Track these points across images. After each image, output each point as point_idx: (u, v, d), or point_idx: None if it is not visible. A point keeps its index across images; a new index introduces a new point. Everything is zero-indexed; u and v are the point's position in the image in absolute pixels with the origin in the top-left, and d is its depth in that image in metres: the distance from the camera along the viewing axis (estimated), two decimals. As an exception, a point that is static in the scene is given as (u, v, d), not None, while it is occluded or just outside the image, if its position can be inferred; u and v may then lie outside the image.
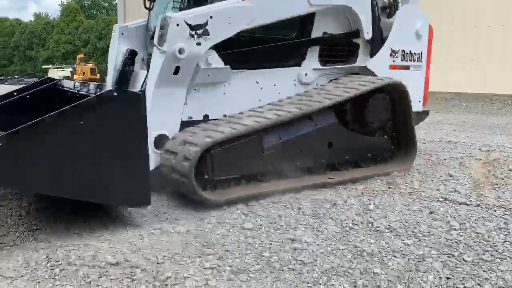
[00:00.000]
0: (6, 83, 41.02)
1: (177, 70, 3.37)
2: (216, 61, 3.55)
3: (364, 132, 4.13)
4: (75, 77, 39.08)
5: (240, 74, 3.78)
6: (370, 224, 3.01)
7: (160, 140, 3.44)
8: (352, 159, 4.12)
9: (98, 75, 36.52)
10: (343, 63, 4.45)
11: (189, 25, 3.31)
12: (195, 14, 3.35)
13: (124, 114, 2.73)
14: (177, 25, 3.27)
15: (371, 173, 4.10)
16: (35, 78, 42.45)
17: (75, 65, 40.60)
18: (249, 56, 3.79)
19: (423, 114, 5.01)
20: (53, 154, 2.56)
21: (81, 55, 40.64)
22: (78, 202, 2.86)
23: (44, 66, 44.32)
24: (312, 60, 4.22)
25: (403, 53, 4.61)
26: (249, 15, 3.49)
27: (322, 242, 2.72)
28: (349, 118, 4.04)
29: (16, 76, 44.93)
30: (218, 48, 3.56)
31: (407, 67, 4.67)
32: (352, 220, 3.08)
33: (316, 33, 4.18)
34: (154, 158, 3.28)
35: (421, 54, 4.72)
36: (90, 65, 39.48)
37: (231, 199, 3.33)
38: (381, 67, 4.49)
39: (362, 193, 3.69)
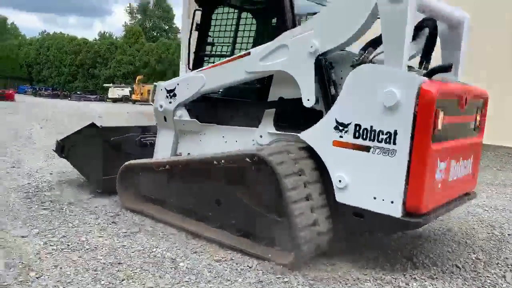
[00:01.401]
0: (69, 98, 43.45)
1: (165, 119, 4.80)
2: (185, 115, 4.68)
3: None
4: (133, 97, 40.82)
5: (210, 127, 4.60)
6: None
7: None
8: (238, 226, 3.79)
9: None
10: (295, 131, 3.81)
11: (167, 90, 4.70)
12: (170, 83, 4.72)
13: None
14: (161, 89, 4.75)
15: (249, 250, 3.61)
16: (96, 95, 44.78)
17: (133, 86, 42.38)
18: (216, 113, 4.57)
19: (410, 224, 3.21)
20: None
21: (140, 77, 42.36)
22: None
23: (105, 85, 46.50)
24: (267, 124, 4.13)
25: (357, 128, 3.31)
26: (201, 82, 4.41)
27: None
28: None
29: (78, 92, 47.48)
30: (194, 106, 4.64)
31: (364, 148, 3.29)
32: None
33: (272, 97, 4.11)
34: None
35: (394, 133, 3.13)
36: (148, 86, 41.04)
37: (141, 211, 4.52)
38: (320, 141, 3.53)
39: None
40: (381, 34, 3.44)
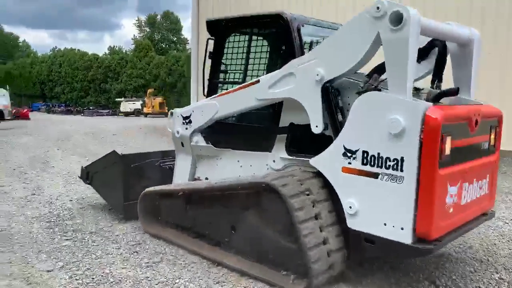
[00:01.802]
0: (82, 114, 43.97)
1: (182, 144, 4.94)
2: (201, 141, 4.82)
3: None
4: (145, 110, 41.15)
5: (226, 152, 4.69)
6: None
7: None
8: (253, 252, 3.80)
9: (166, 108, 38.08)
10: (306, 156, 3.88)
11: (183, 116, 4.85)
12: (185, 110, 4.88)
13: None
14: (177, 116, 4.92)
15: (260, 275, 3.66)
16: (108, 110, 45.24)
17: (145, 99, 42.76)
18: (231, 138, 4.68)
19: (421, 250, 3.17)
20: None
21: (151, 90, 42.71)
22: None
23: (116, 99, 46.96)
24: (280, 149, 4.20)
25: (365, 155, 3.33)
26: (214, 109, 4.53)
27: None
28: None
29: (91, 108, 48.03)
30: (210, 132, 4.78)
31: (373, 174, 3.30)
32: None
33: (283, 123, 4.18)
34: None
35: (401, 160, 3.14)
36: (159, 99, 41.36)
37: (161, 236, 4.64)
38: (330, 168, 3.56)
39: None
40: (384, 62, 3.50)
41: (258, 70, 4.66)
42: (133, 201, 4.96)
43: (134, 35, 71.22)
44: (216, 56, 4.82)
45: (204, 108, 4.68)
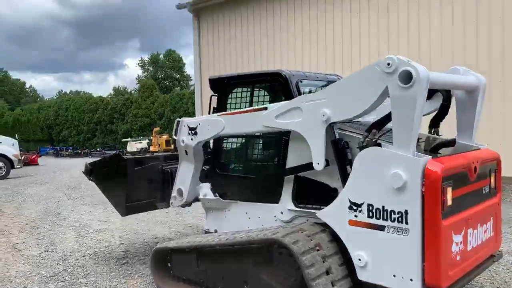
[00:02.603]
0: (90, 156, 44.33)
1: (186, 152, 5.11)
2: (209, 194, 4.97)
3: None
4: (151, 148, 41.41)
5: (234, 204, 4.81)
6: None
7: (179, 191, 5.29)
8: None
9: (172, 146, 38.28)
10: (313, 208, 3.98)
11: (189, 127, 4.98)
12: (192, 121, 5.01)
13: None
14: (184, 125, 5.07)
15: None
16: (116, 150, 45.62)
17: (151, 137, 43.14)
18: (239, 190, 4.79)
19: None
20: None
21: (157, 128, 43.10)
22: None
23: (123, 140, 47.43)
24: (287, 200, 4.27)
25: (370, 208, 3.42)
26: (221, 126, 4.64)
27: None
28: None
29: (98, 149, 48.47)
30: (218, 183, 4.96)
31: (379, 227, 3.38)
32: None
33: (289, 173, 4.25)
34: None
35: (405, 213, 3.23)
36: (165, 137, 41.65)
37: None
38: (337, 220, 3.62)
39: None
40: (385, 116, 3.63)
41: None
42: (135, 202, 5.31)
43: (138, 74, 72.62)
44: (220, 110, 5.01)
45: (211, 123, 4.80)
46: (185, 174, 5.22)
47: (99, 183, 5.91)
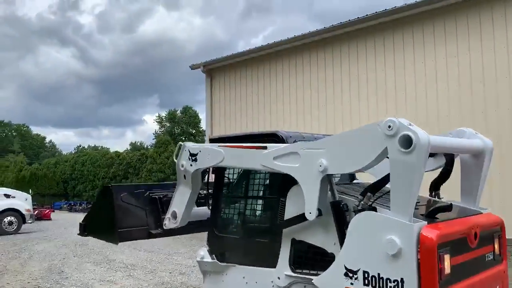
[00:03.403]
0: (103, 211, 44.34)
1: (184, 177, 5.04)
2: (207, 257, 4.84)
3: None
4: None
5: (232, 268, 4.68)
6: None
7: (173, 214, 5.22)
8: None
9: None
10: (310, 274, 3.84)
11: (190, 153, 4.93)
12: (194, 147, 4.95)
13: None
14: (185, 150, 5.00)
15: None
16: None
17: (164, 193, 43.21)
18: (236, 253, 4.68)
19: None
20: None
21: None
22: None
23: (136, 194, 47.48)
24: (284, 265, 4.11)
25: (366, 275, 3.29)
26: (220, 156, 4.59)
27: None
28: None
29: (112, 204, 48.48)
30: (215, 245, 4.85)
31: None
32: None
33: (286, 237, 4.12)
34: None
35: (401, 281, 3.10)
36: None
37: None
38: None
39: None
40: (381, 179, 3.57)
41: (259, 184, 4.80)
42: (126, 228, 5.28)
43: (155, 130, 73.88)
44: (220, 171, 5.01)
45: (211, 153, 4.75)
46: (181, 198, 5.16)
47: (93, 228, 5.81)
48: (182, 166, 5.01)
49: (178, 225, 5.23)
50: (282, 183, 4.27)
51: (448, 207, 3.53)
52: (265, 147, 4.22)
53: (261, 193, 4.77)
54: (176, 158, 5.13)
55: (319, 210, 3.72)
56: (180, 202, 5.15)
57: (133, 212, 5.33)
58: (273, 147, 4.15)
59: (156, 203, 5.56)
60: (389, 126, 3.20)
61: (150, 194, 5.66)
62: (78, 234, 5.98)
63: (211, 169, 5.13)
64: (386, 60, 13.06)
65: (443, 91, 11.89)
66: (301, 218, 3.86)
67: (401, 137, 3.14)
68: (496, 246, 3.89)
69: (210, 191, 5.28)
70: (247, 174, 4.87)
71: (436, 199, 4.33)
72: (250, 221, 4.78)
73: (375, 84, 13.23)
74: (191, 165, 4.93)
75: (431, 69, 12.15)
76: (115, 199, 5.37)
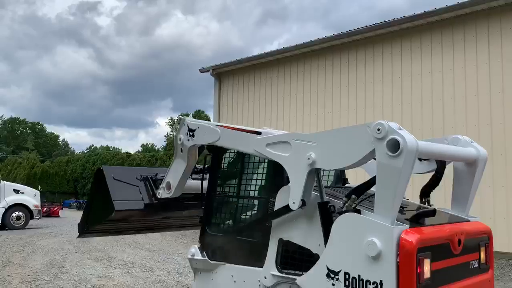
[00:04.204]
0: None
1: (181, 150, 5.08)
2: (197, 254, 4.84)
3: None
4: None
5: (221, 266, 4.67)
6: None
7: (167, 184, 5.30)
8: None
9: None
10: (295, 274, 3.83)
11: (188, 127, 4.97)
12: (193, 123, 5.00)
13: None
14: (184, 124, 5.05)
15: None
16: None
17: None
18: (226, 251, 4.68)
19: None
20: None
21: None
22: None
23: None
24: (271, 265, 4.09)
25: (346, 276, 3.32)
26: (216, 135, 4.65)
27: None
28: None
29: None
30: (206, 242, 4.86)
31: None
32: None
33: (274, 236, 4.11)
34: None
35: (380, 284, 3.12)
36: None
37: None
38: None
39: None
40: (366, 181, 3.59)
41: (251, 184, 4.84)
42: (121, 200, 5.38)
43: (167, 132, 74.40)
44: (213, 170, 5.07)
45: (208, 131, 4.82)
46: (176, 170, 5.27)
47: (91, 218, 5.92)
48: (180, 140, 5.11)
49: (171, 195, 5.34)
50: (271, 184, 4.31)
51: (431, 213, 3.54)
52: (259, 133, 4.27)
53: (251, 193, 4.80)
54: (175, 131, 5.26)
55: (303, 201, 3.75)
56: (175, 174, 5.27)
57: (127, 187, 5.49)
58: (267, 134, 4.20)
59: (148, 180, 5.73)
60: (378, 129, 3.21)
61: (141, 174, 5.85)
62: (77, 237, 6.08)
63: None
64: (394, 68, 13.06)
65: (446, 101, 11.85)
66: (286, 209, 3.90)
67: (389, 141, 3.14)
68: (482, 254, 3.86)
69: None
70: (238, 174, 4.92)
71: (426, 205, 4.33)
72: (239, 220, 4.82)
73: (381, 92, 13.23)
74: (188, 140, 5.02)
75: (438, 79, 12.12)
76: (107, 177, 5.56)
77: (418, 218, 3.54)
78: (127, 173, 5.80)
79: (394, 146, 3.11)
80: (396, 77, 13.03)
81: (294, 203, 3.77)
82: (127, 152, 62.23)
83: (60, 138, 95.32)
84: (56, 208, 32.68)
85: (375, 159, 3.33)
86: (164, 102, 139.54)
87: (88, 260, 10.58)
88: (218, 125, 4.80)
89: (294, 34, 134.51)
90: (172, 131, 74.70)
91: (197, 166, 5.52)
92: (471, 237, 3.70)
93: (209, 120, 64.80)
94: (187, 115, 73.77)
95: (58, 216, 30.24)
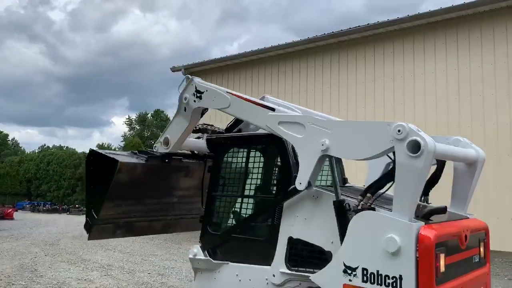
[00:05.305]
0: (68, 213, 43.25)
1: (185, 109, 5.11)
2: (199, 254, 4.78)
3: None
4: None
5: (224, 265, 4.68)
6: None
7: (165, 140, 5.32)
8: None
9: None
10: (307, 271, 3.92)
11: (196, 88, 4.99)
12: (202, 85, 4.99)
13: None
14: (192, 84, 5.04)
15: None
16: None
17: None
18: (230, 250, 4.68)
19: None
20: None
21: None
22: None
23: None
24: (279, 262, 4.16)
25: (365, 272, 3.43)
26: (226, 103, 4.65)
27: None
28: None
29: (77, 206, 47.36)
30: (209, 242, 4.80)
31: None
32: None
33: (283, 235, 4.20)
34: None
35: (400, 278, 3.24)
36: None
37: None
38: (331, 284, 3.58)
39: None
40: (377, 181, 3.74)
41: (256, 184, 4.88)
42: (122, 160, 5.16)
43: (124, 132, 72.69)
44: (215, 170, 5.07)
45: (217, 96, 4.79)
46: (177, 128, 5.28)
47: (98, 201, 5.42)
48: (185, 99, 5.08)
49: (169, 151, 5.36)
50: (278, 182, 4.37)
51: (443, 209, 3.73)
52: (273, 109, 4.30)
53: (256, 192, 4.84)
54: (179, 89, 5.21)
55: (309, 183, 3.88)
56: (175, 131, 5.29)
57: (124, 155, 5.46)
58: (281, 111, 4.25)
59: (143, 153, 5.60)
60: (399, 130, 3.33)
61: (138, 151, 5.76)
62: (88, 239, 5.67)
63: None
64: (367, 71, 13.45)
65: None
66: (294, 191, 4.00)
67: (409, 142, 3.27)
68: (482, 249, 4.12)
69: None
70: (243, 173, 4.95)
71: (426, 203, 4.53)
72: (246, 219, 4.85)
73: (355, 96, 13.59)
74: (194, 101, 5.01)
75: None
76: (101, 152, 5.50)
77: (429, 215, 3.72)
78: (118, 152, 5.74)
79: (415, 147, 3.25)
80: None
81: (300, 183, 3.90)
82: (84, 152, 60.32)
83: (10, 137, 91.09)
84: (10, 210, 31.30)
85: (390, 158, 3.49)
86: (120, 101, 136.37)
87: (61, 263, 10.24)
88: (228, 92, 4.75)
89: (254, 35, 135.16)
90: (130, 131, 73.09)
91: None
92: (474, 233, 3.93)
93: (169, 120, 63.91)
94: (146, 114, 72.45)
95: (12, 219, 28.96)
